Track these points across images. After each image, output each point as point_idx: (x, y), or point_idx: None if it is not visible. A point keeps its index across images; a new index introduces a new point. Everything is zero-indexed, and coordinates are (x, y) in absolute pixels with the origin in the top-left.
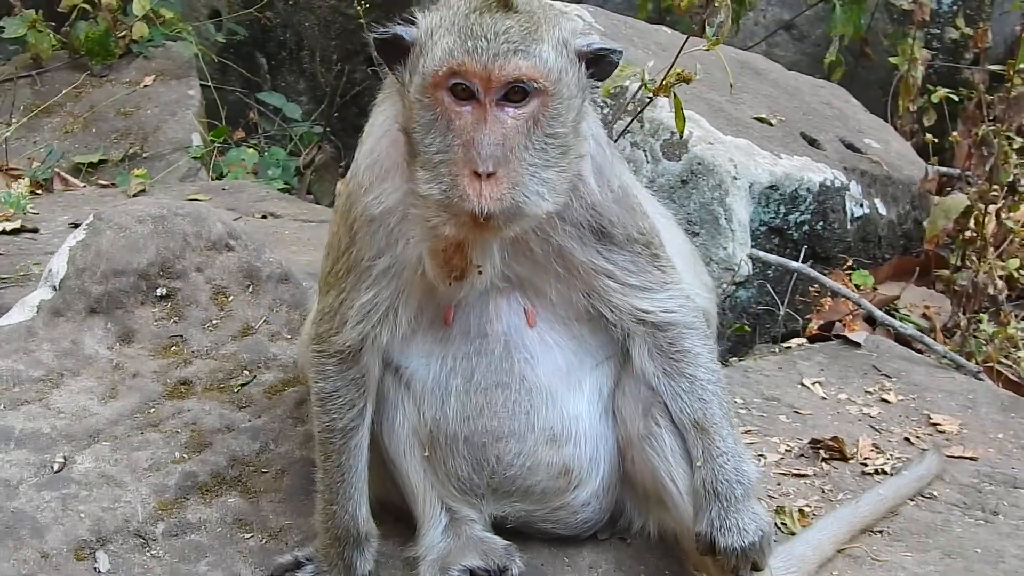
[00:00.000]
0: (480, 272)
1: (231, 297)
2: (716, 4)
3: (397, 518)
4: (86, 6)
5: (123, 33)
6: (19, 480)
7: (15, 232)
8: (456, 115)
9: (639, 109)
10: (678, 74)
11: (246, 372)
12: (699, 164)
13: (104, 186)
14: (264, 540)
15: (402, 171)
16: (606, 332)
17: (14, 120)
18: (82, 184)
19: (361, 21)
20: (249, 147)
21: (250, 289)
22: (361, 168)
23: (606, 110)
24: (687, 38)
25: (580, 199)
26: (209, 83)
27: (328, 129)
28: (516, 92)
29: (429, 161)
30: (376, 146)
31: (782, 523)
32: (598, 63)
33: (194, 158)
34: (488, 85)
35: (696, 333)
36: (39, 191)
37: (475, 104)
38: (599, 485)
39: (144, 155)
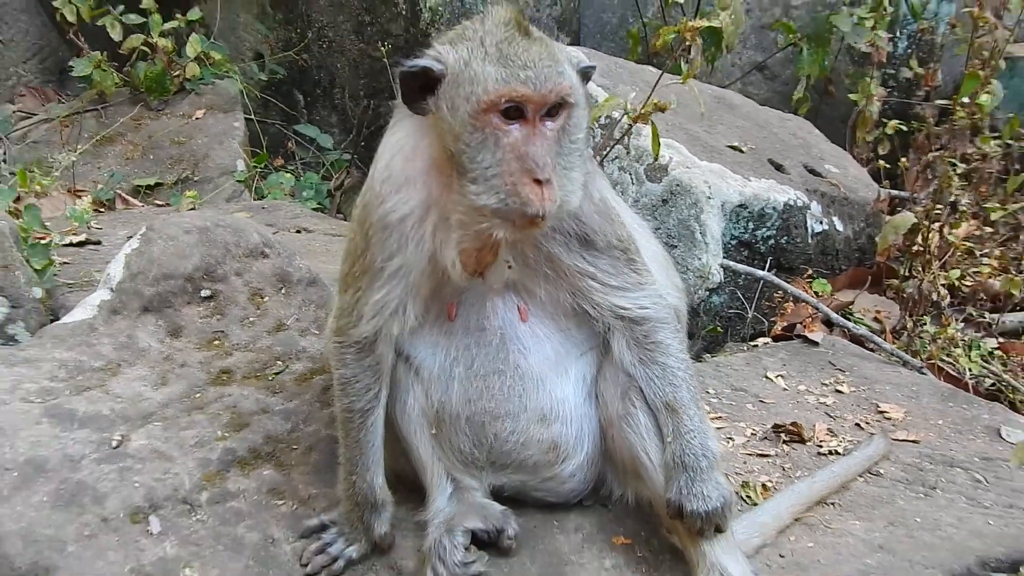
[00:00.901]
0: (510, 266)
1: (266, 298)
2: (688, 43)
3: (409, 487)
4: (145, 48)
5: (177, 72)
6: (82, 455)
7: (80, 244)
8: (504, 133)
9: (622, 136)
10: (655, 104)
11: (279, 362)
12: (678, 185)
13: (159, 206)
14: (295, 506)
15: (413, 185)
16: (589, 326)
17: (80, 147)
18: (140, 204)
19: (385, 62)
20: (287, 172)
21: (282, 291)
22: (377, 182)
23: (597, 138)
24: (661, 73)
25: (566, 212)
26: (252, 116)
27: (355, 156)
28: (554, 108)
29: (482, 176)
30: (390, 163)
31: (747, 496)
32: (587, 79)
33: (238, 181)
34: (538, 105)
35: (668, 327)
36: (102, 209)
37: (523, 122)
38: (583, 459)
39: (195, 179)
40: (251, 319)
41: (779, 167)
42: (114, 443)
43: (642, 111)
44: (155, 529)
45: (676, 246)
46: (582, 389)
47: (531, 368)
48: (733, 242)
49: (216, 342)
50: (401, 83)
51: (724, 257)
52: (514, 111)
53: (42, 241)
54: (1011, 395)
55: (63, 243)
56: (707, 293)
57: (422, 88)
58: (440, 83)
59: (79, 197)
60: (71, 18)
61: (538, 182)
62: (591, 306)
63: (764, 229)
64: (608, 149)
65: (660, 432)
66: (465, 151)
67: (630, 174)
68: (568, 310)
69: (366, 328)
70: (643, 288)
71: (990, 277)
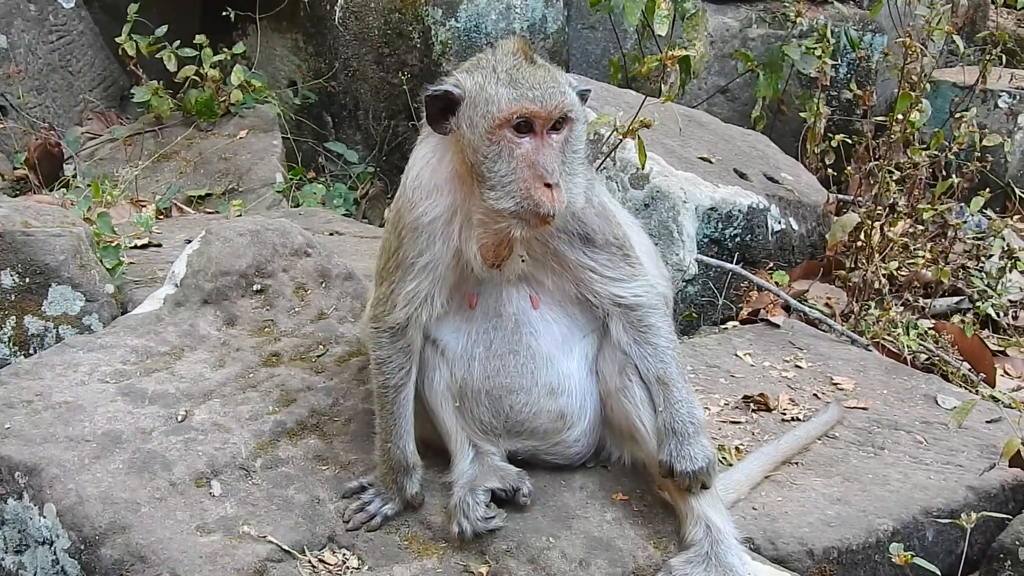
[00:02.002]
0: (523, 260)
1: (309, 291)
2: (668, 69)
3: (435, 453)
4: (196, 78)
5: (224, 98)
6: (152, 428)
7: (144, 247)
8: (517, 145)
9: (611, 150)
10: (641, 121)
11: (321, 346)
12: (657, 192)
13: (209, 213)
14: (337, 471)
15: (440, 191)
16: (591, 312)
17: (141, 163)
18: (193, 212)
19: (404, 88)
20: (319, 183)
21: (323, 285)
22: (409, 189)
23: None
24: (645, 97)
25: (570, 212)
26: (288, 136)
27: (378, 169)
28: (559, 123)
29: (499, 183)
30: (420, 173)
31: (723, 457)
32: (584, 101)
33: (278, 192)
34: (546, 120)
35: (658, 312)
36: (161, 217)
37: (532, 135)
38: (586, 426)
39: (240, 190)
40: (296, 309)
41: (743, 175)
42: (179, 417)
43: (630, 127)
44: (217, 492)
45: (657, 244)
46: (585, 366)
47: (541, 348)
48: (705, 240)
49: (266, 329)
50: (426, 105)
51: (698, 253)
52: (524, 126)
53: (112, 244)
54: (943, 368)
55: (130, 246)
56: (684, 284)
57: (444, 110)
58: (459, 105)
59: (142, 206)
60: (131, 52)
61: (548, 186)
62: (592, 295)
63: (731, 228)
64: (601, 162)
65: (652, 403)
66: (483, 162)
67: (616, 182)
68: (573, 298)
69: (399, 315)
70: (637, 279)
71: (923, 268)
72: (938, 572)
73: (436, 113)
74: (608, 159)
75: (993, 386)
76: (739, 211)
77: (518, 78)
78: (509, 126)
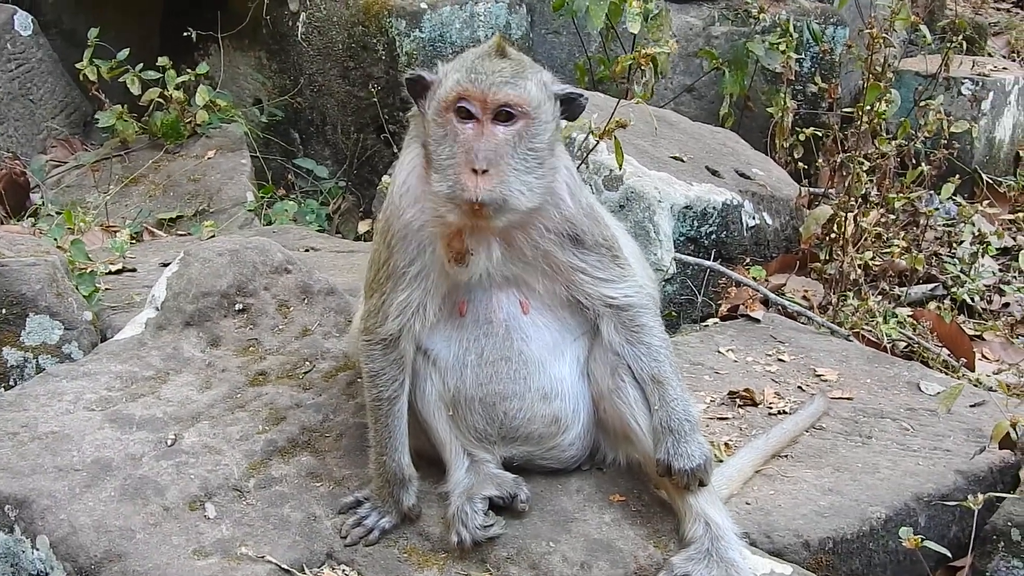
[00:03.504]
0: (472, 255)
1: (292, 308)
2: (643, 68)
3: (430, 464)
4: (160, 100)
5: (189, 119)
6: (142, 453)
7: (119, 272)
8: (460, 131)
9: (587, 152)
10: (617, 122)
11: (307, 363)
12: (632, 192)
13: (182, 235)
14: (331, 487)
15: (428, 196)
16: (581, 315)
17: (110, 188)
18: (165, 235)
19: (373, 100)
20: (290, 200)
21: (306, 301)
22: (396, 196)
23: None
24: (619, 101)
25: (560, 213)
26: (256, 154)
27: (349, 184)
28: (504, 114)
29: (440, 165)
30: (407, 179)
31: (713, 454)
32: (569, 104)
33: (249, 211)
34: (484, 107)
35: (649, 312)
36: (133, 241)
37: (475, 122)
38: (581, 429)
39: (211, 210)
40: (280, 327)
41: (715, 173)
42: (169, 441)
43: (606, 128)
44: (211, 514)
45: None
46: (576, 369)
47: (533, 354)
48: (681, 238)
49: (251, 348)
50: (407, 88)
51: (675, 251)
52: (466, 112)
53: (87, 271)
54: (923, 354)
55: (105, 271)
56: (662, 283)
57: (420, 95)
58: (429, 90)
59: (114, 232)
60: (92, 77)
61: (475, 172)
62: (583, 297)
63: (707, 226)
64: (578, 166)
65: (646, 402)
66: (431, 145)
67: (590, 185)
68: (563, 302)
69: (392, 327)
70: (627, 280)
71: (897, 257)
72: (948, 553)
73: (416, 96)
74: (582, 163)
75: (973, 370)
76: (713, 208)
77: (474, 66)
78: (453, 110)
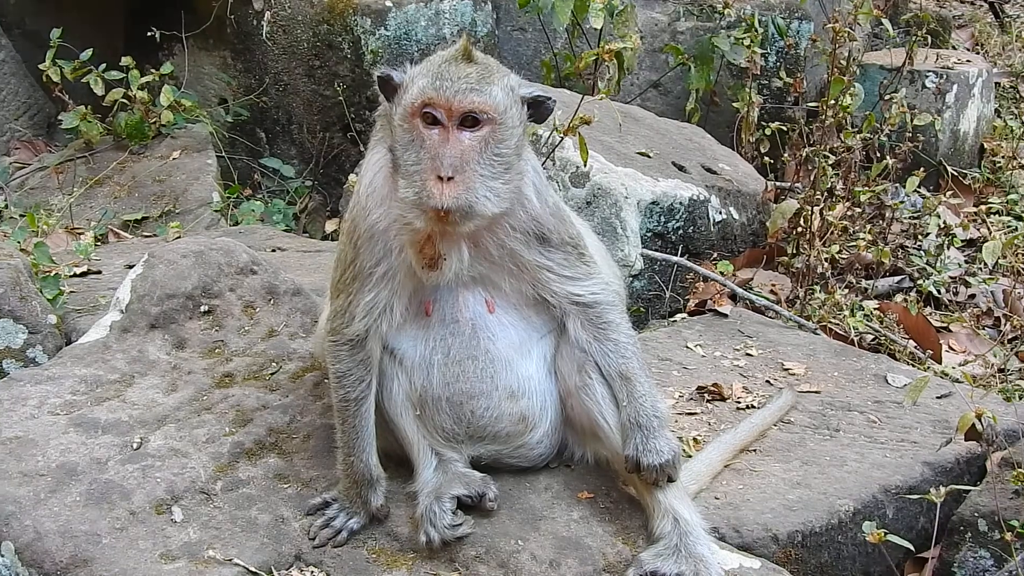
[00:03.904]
0: (445, 259)
1: (257, 309)
2: (607, 64)
3: (397, 463)
4: (124, 100)
5: (154, 120)
6: (108, 457)
7: (84, 274)
8: (427, 136)
9: (552, 149)
10: (581, 118)
11: (274, 364)
12: (599, 189)
13: (147, 236)
14: (299, 488)
15: (391, 192)
16: (547, 313)
17: (74, 190)
18: (130, 236)
19: (340, 99)
20: (256, 200)
21: (271, 302)
22: (363, 196)
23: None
24: (583, 97)
25: (526, 212)
26: (222, 154)
27: (315, 183)
28: (470, 120)
29: (407, 171)
30: (373, 179)
31: (682, 450)
32: (537, 107)
33: (215, 211)
34: (450, 113)
35: (615, 309)
36: (98, 243)
37: (441, 128)
38: (548, 427)
39: (176, 211)
40: (246, 328)
41: (681, 168)
42: (135, 445)
43: (570, 125)
44: (178, 518)
45: (602, 240)
46: (543, 367)
47: (499, 352)
48: (649, 234)
49: (217, 350)
50: (378, 86)
51: (642, 247)
52: (432, 118)
53: (51, 274)
54: (890, 347)
55: (69, 274)
56: (630, 279)
57: (389, 95)
58: (397, 92)
59: (79, 234)
60: (55, 78)
61: (440, 179)
62: (550, 295)
63: (674, 221)
64: (543, 162)
65: (614, 399)
66: (397, 149)
67: (557, 182)
68: (529, 300)
69: (359, 327)
70: (592, 277)
71: (863, 250)
72: (911, 547)
73: (387, 97)
74: (548, 159)
75: (939, 362)
76: (680, 204)
77: (440, 72)
78: (419, 116)
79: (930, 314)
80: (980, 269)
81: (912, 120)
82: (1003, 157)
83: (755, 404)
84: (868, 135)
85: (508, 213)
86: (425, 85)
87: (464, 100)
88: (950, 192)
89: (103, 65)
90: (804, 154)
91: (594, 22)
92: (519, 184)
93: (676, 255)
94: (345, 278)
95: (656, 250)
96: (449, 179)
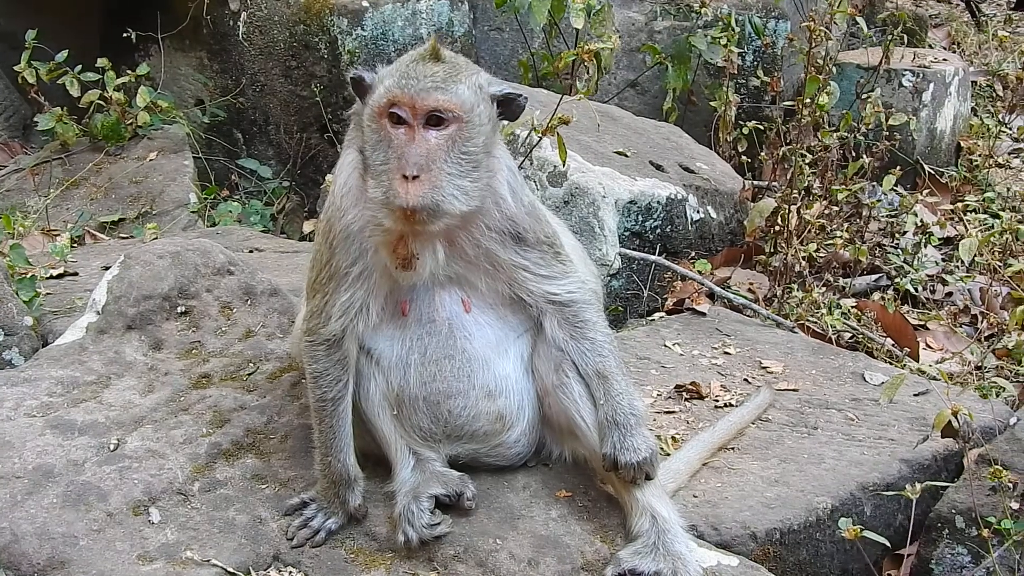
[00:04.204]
0: (419, 259)
1: (234, 309)
2: (586, 65)
3: (376, 463)
4: (100, 102)
5: (130, 121)
6: (84, 459)
7: (60, 276)
8: (393, 136)
9: (530, 149)
10: (560, 118)
11: (251, 364)
12: (576, 188)
13: (124, 238)
14: (277, 489)
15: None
16: (523, 312)
17: (51, 192)
18: (107, 238)
19: (317, 100)
20: (234, 201)
21: (248, 303)
22: (338, 197)
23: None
24: (562, 95)
25: (501, 211)
26: (199, 155)
27: (293, 184)
28: (435, 119)
29: (375, 171)
30: (348, 180)
31: (661, 448)
32: (508, 105)
33: (192, 212)
34: (415, 112)
35: (592, 307)
36: (75, 245)
37: (407, 127)
38: (526, 426)
39: (153, 212)
40: (223, 329)
41: (659, 167)
42: (112, 446)
43: (549, 125)
44: (155, 519)
45: (579, 239)
46: (521, 366)
47: (476, 352)
48: (626, 233)
49: (194, 351)
50: (352, 87)
51: (620, 246)
52: (398, 117)
53: (27, 276)
54: (868, 345)
55: (45, 276)
56: (608, 279)
57: (363, 95)
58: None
59: (55, 236)
60: (31, 79)
61: (406, 178)
62: (526, 294)
63: (651, 220)
64: (521, 162)
65: (591, 397)
66: (367, 149)
67: (534, 181)
68: (505, 299)
69: (335, 327)
70: (569, 276)
71: (841, 248)
72: (887, 543)
73: (360, 97)
74: (526, 159)
75: (917, 360)
76: (658, 203)
77: (407, 71)
78: (386, 115)
79: (907, 312)
80: (957, 267)
81: (888, 119)
82: (980, 155)
83: (733, 402)
84: (845, 134)
85: (483, 212)
86: (391, 85)
87: (428, 99)
88: (927, 191)
89: (79, 66)
90: (781, 153)
91: (575, 23)
92: (491, 182)
93: (654, 254)
94: (321, 278)
95: (634, 249)
96: (415, 178)
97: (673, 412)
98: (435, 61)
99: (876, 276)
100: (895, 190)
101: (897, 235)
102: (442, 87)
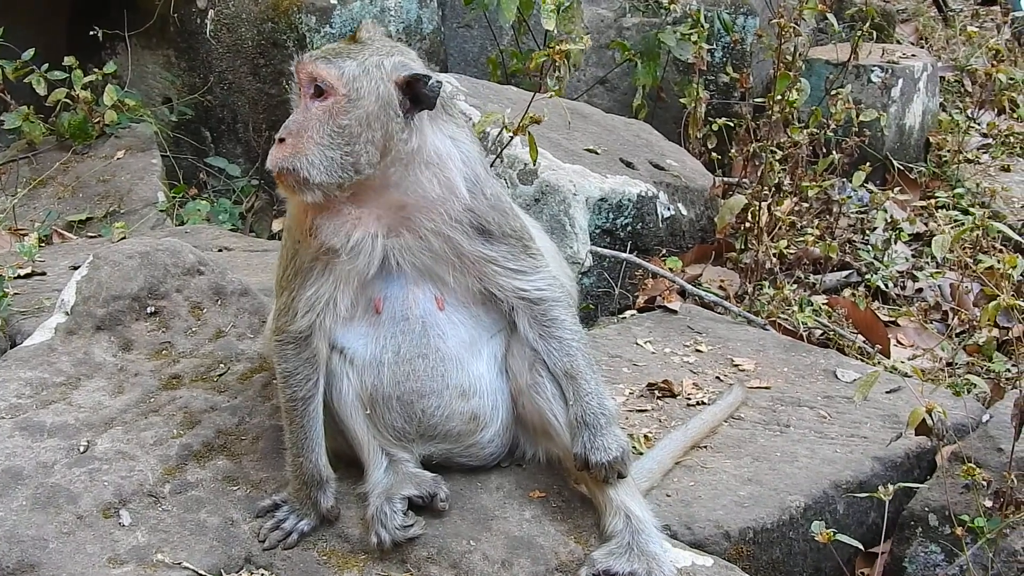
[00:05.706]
0: (312, 234)
1: (205, 310)
2: (557, 63)
3: (349, 464)
4: (67, 100)
5: (97, 119)
6: (54, 461)
7: (28, 276)
8: (293, 105)
9: (501, 148)
10: (531, 117)
11: (222, 365)
12: (547, 186)
13: (92, 237)
14: (248, 490)
15: None
16: (497, 310)
17: (18, 191)
18: (75, 237)
19: (287, 97)
20: (202, 200)
21: (219, 303)
22: None
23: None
24: (534, 94)
25: (459, 202)
26: (167, 153)
27: (261, 182)
28: (316, 90)
29: None
30: None
31: (633, 447)
32: (414, 89)
33: (160, 211)
34: (301, 82)
35: (562, 305)
36: (42, 244)
37: (299, 98)
38: (500, 426)
39: (121, 211)
40: (193, 329)
41: (629, 164)
42: (81, 448)
43: (520, 124)
44: (126, 521)
45: (551, 238)
46: (495, 366)
47: (450, 351)
48: (597, 231)
49: (164, 352)
50: None
51: (591, 244)
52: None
53: None
54: (839, 342)
55: (13, 276)
56: (579, 276)
57: None
58: None
59: (23, 235)
60: None
61: (280, 142)
62: (496, 289)
63: (622, 218)
64: (493, 160)
65: (564, 397)
66: None
67: (505, 179)
68: (478, 297)
69: (302, 323)
70: (539, 272)
71: (811, 245)
72: (860, 546)
73: None
74: (498, 158)
75: (888, 356)
76: (629, 200)
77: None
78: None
79: (878, 309)
80: (927, 263)
81: (858, 115)
82: (949, 151)
83: (705, 400)
84: (815, 130)
85: (439, 201)
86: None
87: (305, 68)
88: (897, 187)
89: (45, 65)
90: (751, 150)
91: (546, 24)
92: (377, 160)
93: (625, 252)
94: (287, 275)
95: (605, 247)
96: (281, 141)
97: (645, 410)
98: (351, 41)
99: (847, 272)
100: (865, 186)
101: (867, 231)
102: (324, 59)
